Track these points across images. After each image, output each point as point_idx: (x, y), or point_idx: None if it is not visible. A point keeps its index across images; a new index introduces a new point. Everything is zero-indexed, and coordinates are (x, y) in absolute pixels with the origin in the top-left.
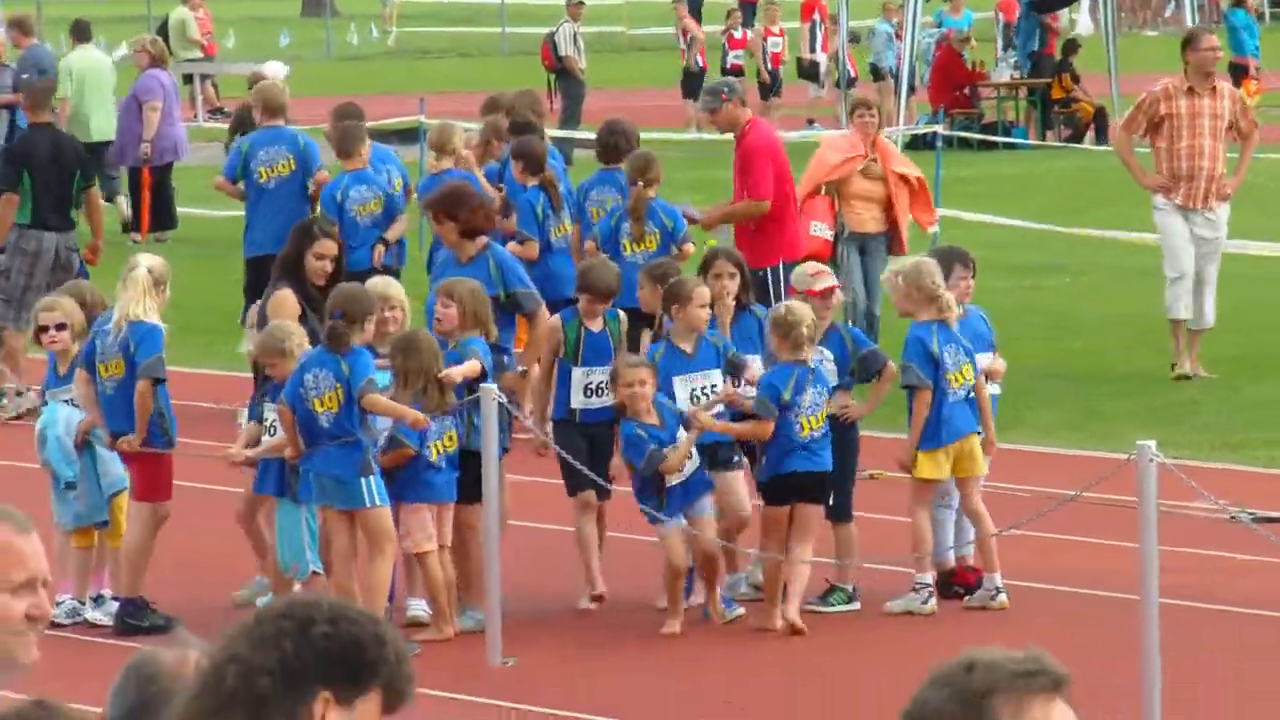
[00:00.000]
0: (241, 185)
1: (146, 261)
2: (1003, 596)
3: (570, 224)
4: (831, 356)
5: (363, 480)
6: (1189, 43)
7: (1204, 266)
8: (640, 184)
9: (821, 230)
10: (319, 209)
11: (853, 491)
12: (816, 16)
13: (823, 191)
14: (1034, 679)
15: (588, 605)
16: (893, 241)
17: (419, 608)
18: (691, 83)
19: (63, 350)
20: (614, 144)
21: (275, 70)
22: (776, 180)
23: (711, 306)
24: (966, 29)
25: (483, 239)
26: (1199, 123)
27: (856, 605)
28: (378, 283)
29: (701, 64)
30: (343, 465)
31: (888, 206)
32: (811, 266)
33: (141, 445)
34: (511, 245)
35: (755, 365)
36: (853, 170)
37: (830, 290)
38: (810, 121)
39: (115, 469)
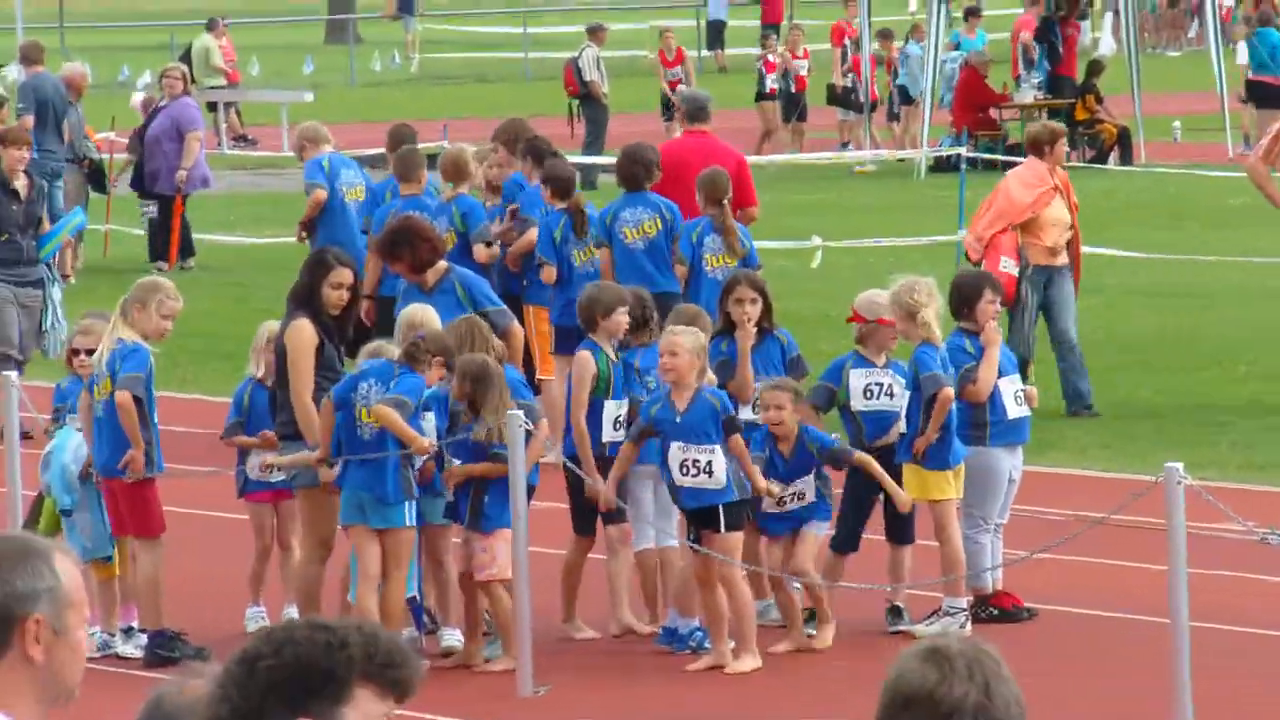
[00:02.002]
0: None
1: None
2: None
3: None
4: (902, 382)
5: (407, 503)
6: None
7: None
8: (726, 201)
9: (1009, 266)
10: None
11: (913, 513)
12: (847, 41)
13: (1010, 227)
14: None
15: (589, 634)
16: (1073, 272)
17: (454, 637)
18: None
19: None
20: (634, 173)
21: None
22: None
23: (732, 332)
24: (983, 49)
25: (442, 264)
26: None
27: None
28: (415, 310)
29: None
30: (384, 484)
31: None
32: (880, 294)
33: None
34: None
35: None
36: (1048, 203)
37: None
38: (845, 144)
39: None
